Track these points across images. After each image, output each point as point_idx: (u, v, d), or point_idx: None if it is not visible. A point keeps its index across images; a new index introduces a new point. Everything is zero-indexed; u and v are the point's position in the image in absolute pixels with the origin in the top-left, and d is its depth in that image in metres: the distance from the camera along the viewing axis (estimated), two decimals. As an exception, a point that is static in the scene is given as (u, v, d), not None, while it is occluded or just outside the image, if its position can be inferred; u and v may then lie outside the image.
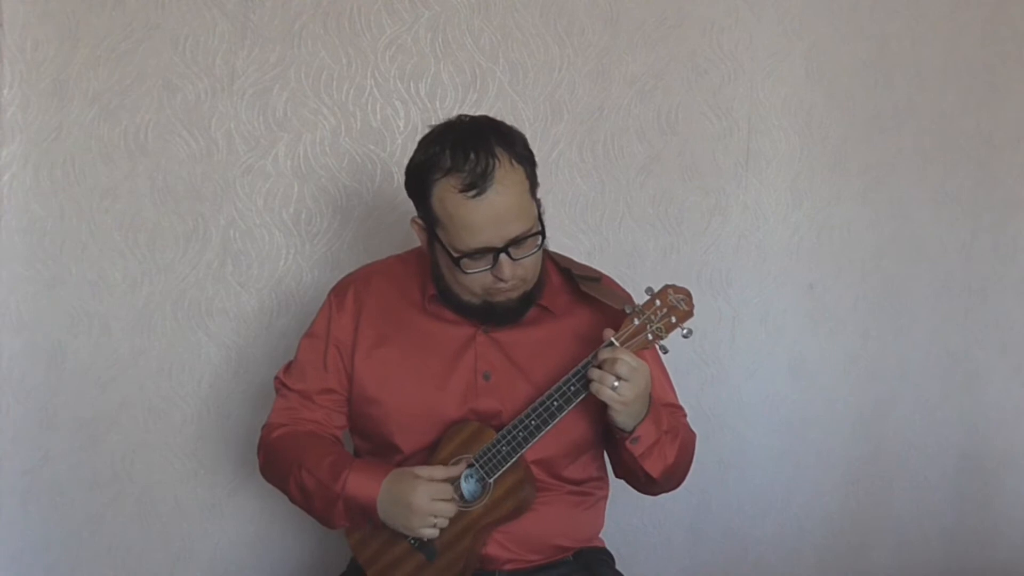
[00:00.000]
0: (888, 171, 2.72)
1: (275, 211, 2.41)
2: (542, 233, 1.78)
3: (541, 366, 1.85)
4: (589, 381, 1.72)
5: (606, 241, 2.56)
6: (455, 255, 1.75)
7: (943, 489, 2.84)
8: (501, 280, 1.75)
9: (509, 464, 1.78)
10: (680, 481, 1.93)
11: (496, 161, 1.69)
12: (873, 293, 2.74)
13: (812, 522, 2.75)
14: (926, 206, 2.76)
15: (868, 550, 2.80)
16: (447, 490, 1.78)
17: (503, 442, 1.78)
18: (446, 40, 2.45)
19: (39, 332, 2.35)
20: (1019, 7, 2.78)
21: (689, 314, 1.76)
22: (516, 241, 1.73)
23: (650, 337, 1.74)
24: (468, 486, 1.81)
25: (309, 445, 1.90)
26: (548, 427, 1.76)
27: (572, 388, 1.75)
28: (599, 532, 2.01)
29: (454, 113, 1.84)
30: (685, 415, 1.99)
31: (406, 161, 1.80)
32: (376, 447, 1.94)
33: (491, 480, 1.80)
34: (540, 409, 1.76)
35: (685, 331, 1.75)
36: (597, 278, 1.93)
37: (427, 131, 1.79)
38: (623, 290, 1.98)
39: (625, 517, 2.58)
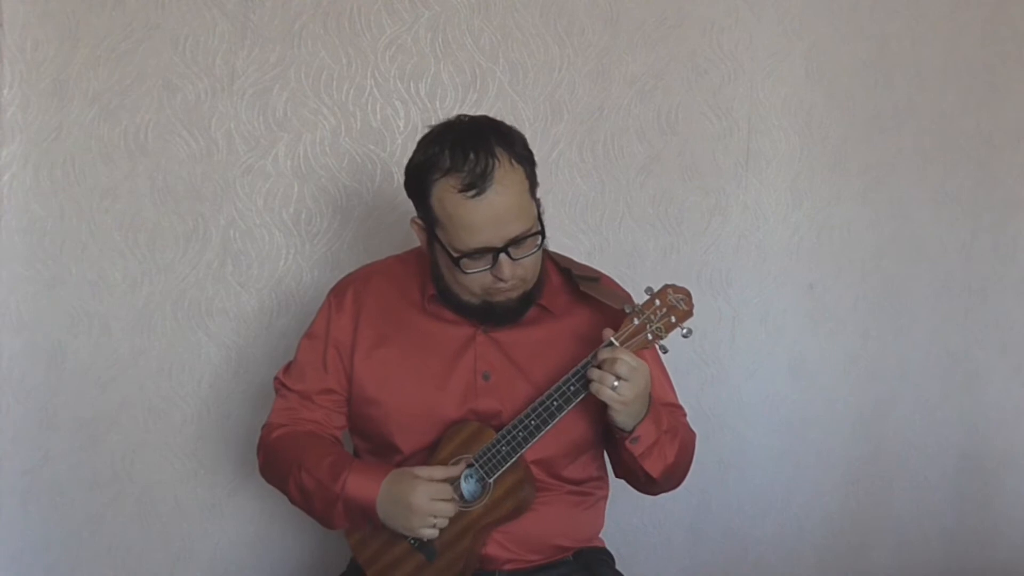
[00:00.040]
0: (888, 171, 2.72)
1: (275, 211, 2.41)
2: (542, 233, 1.78)
3: (541, 366, 1.85)
4: (589, 381, 1.73)
5: (606, 241, 2.56)
6: (455, 255, 1.75)
7: (943, 489, 2.84)
8: (501, 280, 1.75)
9: (509, 464, 1.78)
10: (680, 481, 1.93)
11: (496, 161, 1.69)
12: (873, 293, 2.74)
13: (812, 522, 2.75)
14: (926, 206, 2.76)
15: (868, 550, 2.80)
16: (447, 490, 1.78)
17: (503, 442, 1.78)
18: (446, 40, 2.45)
19: (39, 332, 2.35)
20: (1019, 7, 2.78)
21: (689, 314, 1.76)
22: (516, 241, 1.73)
23: (650, 337, 1.74)
24: (468, 486, 1.81)
25: (309, 446, 1.90)
26: (548, 427, 1.76)
27: (572, 388, 1.75)
28: (599, 532, 2.01)
29: (454, 113, 1.83)
30: (685, 415, 1.99)
31: (406, 161, 1.80)
32: (376, 447, 1.94)
33: (491, 480, 1.80)
34: (540, 409, 1.76)
35: (685, 331, 1.75)
36: (596, 278, 1.93)
37: (426, 131, 1.79)
38: (622, 290, 1.98)
39: (625, 517, 2.58)
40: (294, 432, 1.94)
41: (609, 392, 1.70)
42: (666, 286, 1.76)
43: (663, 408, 1.86)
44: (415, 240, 1.88)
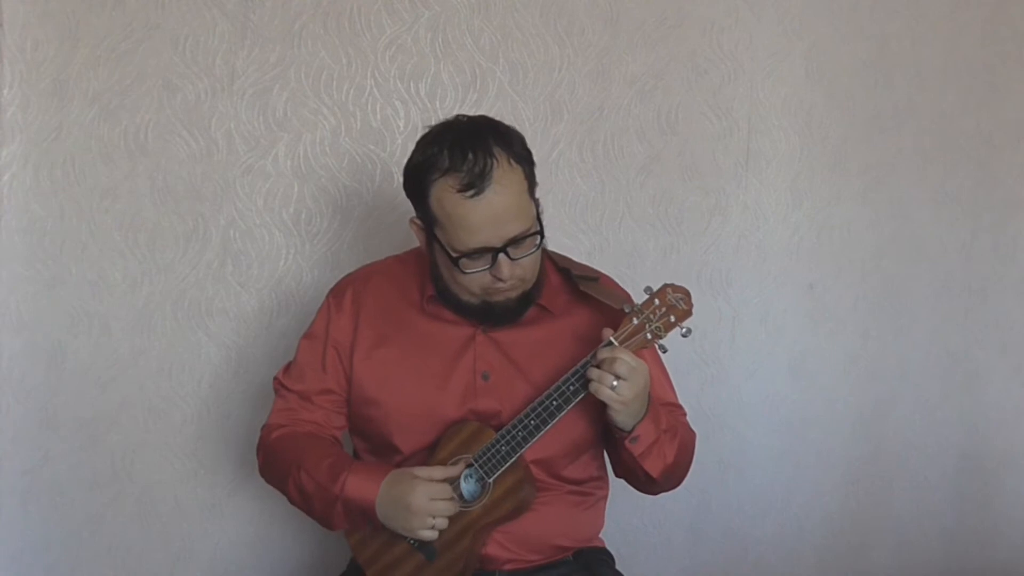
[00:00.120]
0: (888, 171, 2.72)
1: (275, 211, 2.41)
2: (541, 233, 1.78)
3: (540, 366, 1.85)
4: (588, 381, 1.73)
5: (606, 241, 2.56)
6: (454, 255, 1.75)
7: (943, 489, 2.84)
8: (500, 280, 1.75)
9: (508, 464, 1.78)
10: (680, 480, 1.93)
11: (494, 161, 1.69)
12: (873, 293, 2.74)
13: (812, 522, 2.75)
14: (926, 206, 2.76)
15: (868, 550, 2.80)
16: (446, 490, 1.78)
17: (502, 442, 1.78)
18: (446, 40, 2.45)
19: (39, 332, 2.35)
20: (1019, 7, 2.78)
21: (688, 313, 1.76)
22: (515, 241, 1.72)
23: (649, 336, 1.74)
24: (467, 486, 1.81)
25: (308, 446, 1.90)
26: (547, 427, 1.76)
27: (571, 388, 1.75)
28: (599, 532, 2.01)
29: (454, 113, 1.83)
30: (685, 414, 1.99)
31: (406, 161, 1.80)
32: (375, 447, 1.94)
33: (490, 480, 1.80)
34: (539, 409, 1.76)
35: (684, 330, 1.75)
36: (596, 278, 1.93)
37: (425, 131, 1.79)
38: (622, 290, 1.98)
39: (625, 517, 2.58)
40: (293, 433, 1.93)
41: (608, 392, 1.70)
42: (665, 285, 1.76)
43: (663, 408, 1.86)
44: (415, 240, 1.88)
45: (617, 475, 1.96)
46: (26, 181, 2.32)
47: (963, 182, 2.78)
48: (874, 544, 2.80)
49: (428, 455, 1.85)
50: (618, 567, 1.99)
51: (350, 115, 2.42)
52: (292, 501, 1.92)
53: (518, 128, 1.80)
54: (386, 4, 2.42)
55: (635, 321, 1.74)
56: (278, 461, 1.93)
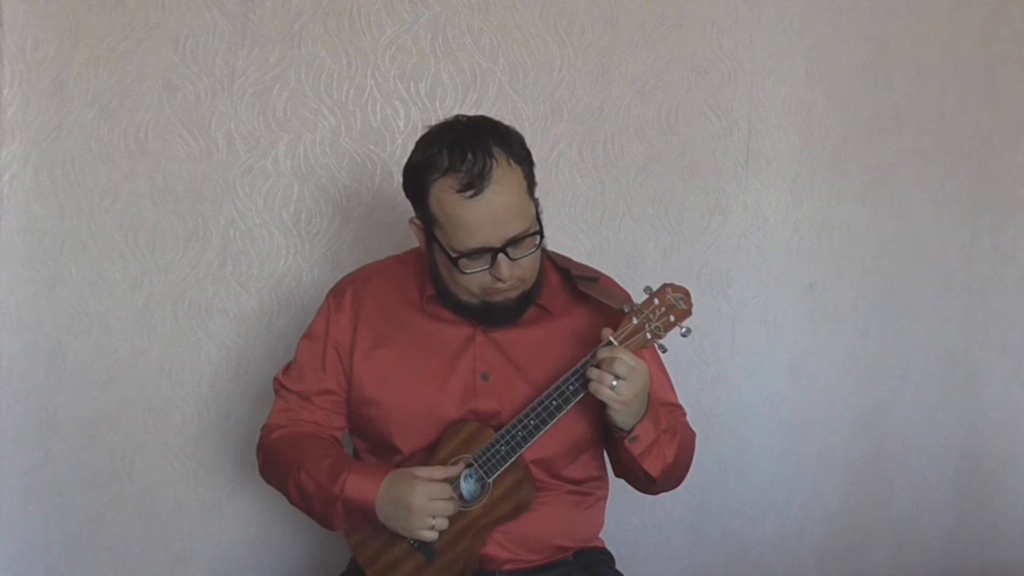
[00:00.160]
0: (888, 171, 2.72)
1: (275, 211, 2.41)
2: (540, 233, 1.77)
3: (540, 366, 1.85)
4: (588, 380, 1.73)
5: (606, 241, 2.56)
6: (453, 255, 1.75)
7: (943, 489, 2.84)
8: (499, 280, 1.75)
9: (508, 464, 1.78)
10: (680, 480, 1.93)
11: (493, 161, 1.69)
12: (873, 293, 2.74)
13: (812, 522, 2.75)
14: (926, 206, 2.76)
15: (868, 550, 2.80)
16: (445, 490, 1.78)
17: (502, 442, 1.78)
18: (446, 40, 2.45)
19: (39, 332, 2.35)
20: (1019, 7, 2.78)
21: (687, 313, 1.75)
22: (514, 241, 1.72)
23: (648, 336, 1.74)
24: (467, 486, 1.81)
25: (308, 447, 1.90)
26: (547, 426, 1.76)
27: (571, 387, 1.75)
28: (599, 532, 2.01)
29: (454, 113, 1.83)
30: (685, 414, 1.99)
31: (405, 161, 1.80)
32: (375, 448, 1.94)
33: (490, 480, 1.80)
34: (539, 409, 1.76)
35: (684, 330, 1.75)
36: (595, 278, 1.93)
37: (425, 131, 1.79)
38: (621, 289, 1.98)
39: (625, 517, 2.58)
40: (293, 433, 1.93)
41: (608, 391, 1.70)
42: (665, 285, 1.76)
43: (662, 408, 1.86)
44: (415, 240, 1.88)
45: (617, 475, 1.96)
46: (26, 181, 2.32)
47: (963, 182, 2.78)
48: (874, 544, 2.80)
49: (428, 455, 1.85)
50: (618, 567, 1.99)
51: (350, 115, 2.42)
52: (292, 501, 1.92)
53: (518, 128, 1.80)
54: (386, 4, 2.42)
55: (635, 321, 1.74)
56: (278, 461, 1.93)
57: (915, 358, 2.79)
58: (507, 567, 1.87)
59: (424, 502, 1.75)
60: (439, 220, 1.74)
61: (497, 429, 1.80)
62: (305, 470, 1.85)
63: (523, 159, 1.75)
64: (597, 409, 1.80)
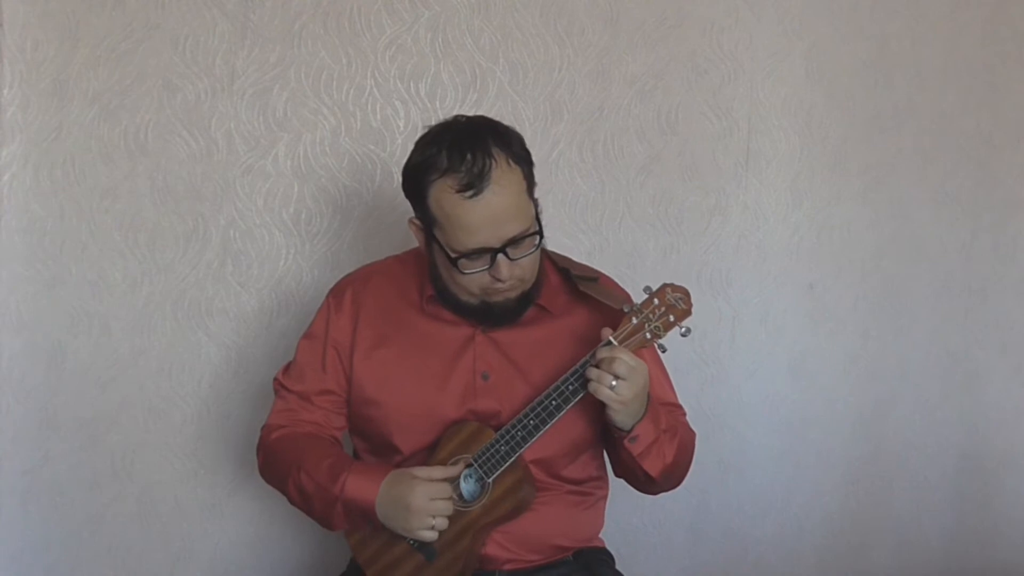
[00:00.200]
0: (888, 171, 2.72)
1: (275, 211, 2.42)
2: (540, 233, 1.77)
3: (539, 366, 1.85)
4: (587, 380, 1.72)
5: (606, 241, 2.56)
6: (452, 255, 1.75)
7: (943, 489, 2.84)
8: (499, 280, 1.75)
9: (508, 464, 1.78)
10: (680, 480, 1.93)
11: (493, 161, 1.69)
12: (873, 293, 2.74)
13: (812, 522, 2.75)
14: (926, 206, 2.76)
15: (868, 550, 2.80)
16: (445, 489, 1.78)
17: (502, 442, 1.78)
18: (446, 40, 2.45)
19: (39, 332, 2.35)
20: (1019, 7, 2.78)
21: (687, 313, 1.75)
22: (513, 241, 1.72)
23: (648, 336, 1.74)
24: (467, 486, 1.81)
25: (308, 447, 1.90)
26: (547, 426, 1.76)
27: (570, 387, 1.75)
28: (599, 532, 2.01)
29: (454, 113, 1.83)
30: (684, 414, 1.99)
31: (405, 161, 1.80)
32: (375, 448, 1.94)
33: (490, 480, 1.80)
34: (539, 409, 1.76)
35: (684, 330, 1.75)
36: (595, 278, 1.93)
37: (424, 132, 1.79)
38: (621, 289, 1.98)
39: (625, 517, 2.58)
40: (293, 433, 1.93)
41: (607, 392, 1.70)
42: (665, 285, 1.76)
43: (662, 408, 1.86)
44: (415, 240, 1.88)
45: (617, 475, 1.96)
46: (26, 181, 2.32)
47: (963, 182, 2.78)
48: (874, 544, 2.80)
49: (428, 455, 1.85)
50: (618, 567, 1.99)
51: (350, 115, 2.42)
52: (292, 501, 1.92)
53: (518, 128, 1.80)
54: (386, 4, 2.42)
55: (634, 321, 1.74)
56: (278, 462, 1.93)
57: (915, 358, 2.79)
58: (507, 567, 1.87)
59: (424, 502, 1.75)
60: (438, 220, 1.74)
61: (497, 429, 1.80)
62: (305, 470, 1.85)
63: (522, 159, 1.75)
64: (597, 409, 1.79)
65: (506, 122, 1.80)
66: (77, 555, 2.41)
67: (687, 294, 1.76)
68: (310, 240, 2.43)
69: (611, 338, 1.73)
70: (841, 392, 2.74)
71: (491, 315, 1.83)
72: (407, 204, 1.83)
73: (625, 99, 2.55)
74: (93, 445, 2.39)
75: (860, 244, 2.72)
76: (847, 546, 2.78)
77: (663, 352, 1.80)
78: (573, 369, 1.76)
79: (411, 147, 1.79)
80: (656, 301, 1.74)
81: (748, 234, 2.64)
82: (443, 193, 1.71)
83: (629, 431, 1.78)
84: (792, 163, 2.66)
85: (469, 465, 1.81)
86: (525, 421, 1.77)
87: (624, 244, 2.57)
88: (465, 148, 1.70)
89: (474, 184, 1.68)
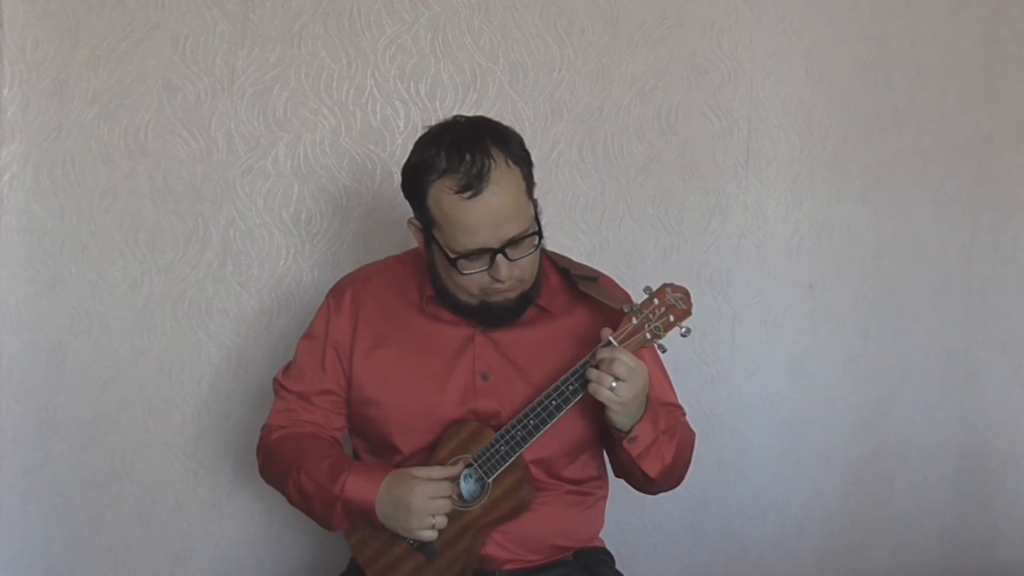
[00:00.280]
0: (888, 171, 2.72)
1: (275, 211, 2.42)
2: (539, 233, 1.77)
3: (539, 366, 1.85)
4: (587, 381, 1.72)
5: (606, 241, 2.56)
6: (452, 256, 1.74)
7: (943, 489, 2.84)
8: (498, 281, 1.75)
9: (508, 464, 1.78)
10: (679, 481, 1.93)
11: (492, 162, 1.69)
12: (873, 293, 2.74)
13: (812, 522, 2.75)
14: (926, 206, 2.76)
15: (868, 550, 2.80)
16: (444, 488, 1.78)
17: (501, 442, 1.78)
18: (446, 40, 2.45)
19: (39, 332, 2.35)
20: (1019, 7, 2.78)
21: (687, 313, 1.75)
22: (513, 242, 1.72)
23: (648, 336, 1.74)
24: (467, 486, 1.80)
25: (308, 447, 1.90)
26: (546, 426, 1.76)
27: (570, 387, 1.75)
28: (599, 532, 2.01)
29: (454, 113, 1.83)
30: (684, 414, 1.99)
31: (404, 162, 1.80)
32: (375, 448, 1.94)
33: (490, 480, 1.80)
34: (538, 409, 1.76)
35: (684, 330, 1.75)
36: (595, 278, 1.93)
37: (423, 132, 1.79)
38: (621, 290, 1.98)
39: (625, 517, 2.58)
40: (293, 434, 1.93)
41: (607, 393, 1.70)
42: (665, 285, 1.76)
43: (661, 408, 1.86)
44: (415, 240, 1.88)
45: (617, 475, 1.96)
46: (26, 181, 2.32)
47: (963, 182, 2.78)
48: (874, 544, 2.80)
49: (428, 455, 1.85)
50: (618, 567, 1.99)
51: (350, 115, 2.42)
52: (292, 502, 1.92)
53: (518, 128, 1.80)
54: (386, 4, 2.42)
55: (634, 321, 1.74)
56: (278, 462, 1.93)
57: (915, 358, 2.79)
58: (507, 567, 1.87)
59: (423, 502, 1.75)
60: (437, 221, 1.74)
61: (497, 429, 1.80)
62: (305, 471, 1.85)
63: (522, 160, 1.75)
64: (596, 409, 1.79)
65: (506, 122, 1.80)
66: (77, 555, 2.41)
67: (687, 294, 1.76)
68: (310, 240, 2.43)
69: (611, 338, 1.73)
70: (841, 392, 2.74)
71: (490, 315, 1.83)
72: (407, 204, 1.83)
73: (625, 99, 2.55)
74: (93, 445, 2.39)
75: (860, 244, 2.72)
76: (847, 546, 2.78)
77: (663, 352, 1.80)
78: (573, 369, 1.76)
79: (411, 147, 1.79)
80: (656, 301, 1.74)
81: (748, 234, 2.64)
82: (442, 194, 1.71)
83: (628, 432, 1.78)
84: (792, 163, 2.66)
85: (469, 465, 1.80)
86: (525, 421, 1.77)
87: (624, 244, 2.57)
88: (464, 149, 1.70)
89: (473, 185, 1.68)
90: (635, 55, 2.54)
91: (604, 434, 1.90)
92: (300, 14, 2.39)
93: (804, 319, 2.70)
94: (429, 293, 1.88)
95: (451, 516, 1.79)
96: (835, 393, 2.74)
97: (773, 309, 2.68)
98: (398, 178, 1.83)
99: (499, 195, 1.69)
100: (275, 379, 2.00)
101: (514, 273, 1.75)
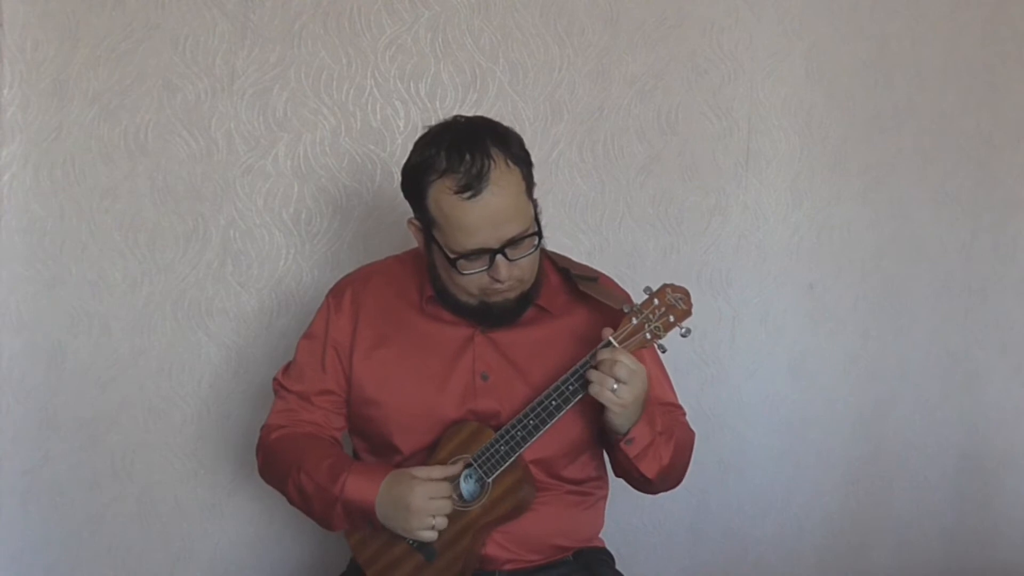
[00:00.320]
0: (888, 171, 2.72)
1: (275, 211, 2.42)
2: (539, 234, 1.77)
3: (539, 366, 1.84)
4: (588, 383, 1.72)
5: (606, 241, 2.56)
6: (451, 256, 1.74)
7: (943, 489, 2.84)
8: (497, 281, 1.75)
9: (507, 464, 1.78)
10: (678, 481, 1.93)
11: (491, 162, 1.69)
12: (873, 293, 2.74)
13: (812, 522, 2.75)
14: (926, 206, 2.76)
15: (868, 550, 2.80)
16: (444, 488, 1.78)
17: (501, 442, 1.78)
18: (446, 40, 2.45)
19: (39, 332, 2.35)
20: (1019, 7, 2.78)
21: (687, 313, 1.75)
22: (512, 242, 1.72)
23: (648, 336, 1.74)
24: (467, 486, 1.81)
25: (308, 447, 1.90)
26: (546, 426, 1.76)
27: (570, 388, 1.75)
28: (599, 532, 2.01)
29: (454, 113, 1.83)
30: (684, 414, 1.99)
31: (404, 162, 1.80)
32: (375, 448, 1.94)
33: (490, 480, 1.80)
34: (538, 408, 1.76)
35: (684, 330, 1.75)
36: (595, 278, 1.93)
37: (423, 132, 1.79)
38: (621, 290, 1.98)
39: (625, 517, 2.58)
40: (293, 434, 1.93)
41: (609, 395, 1.70)
42: (665, 285, 1.76)
43: (660, 408, 1.86)
44: (415, 240, 1.88)
45: (617, 475, 1.96)
46: (26, 181, 2.32)
47: (963, 182, 2.78)
48: (874, 544, 2.80)
49: (428, 455, 1.85)
50: (618, 567, 1.99)
51: (350, 115, 2.42)
52: (292, 502, 1.92)
53: (518, 128, 1.80)
54: (386, 4, 2.42)
55: (634, 321, 1.74)
56: (278, 462, 1.93)
57: (915, 358, 2.79)
58: (507, 567, 1.87)
59: (423, 502, 1.75)
60: (437, 221, 1.74)
61: (497, 429, 1.80)
62: (305, 471, 1.85)
63: (521, 160, 1.75)
64: (596, 409, 1.79)
65: (506, 122, 1.79)
66: (77, 555, 2.41)
67: (687, 294, 1.75)
68: (310, 240, 2.43)
69: (611, 338, 1.73)
70: (841, 392, 2.74)
71: (490, 315, 1.83)
72: (407, 204, 1.83)
73: (625, 99, 2.55)
74: (93, 445, 2.39)
75: (860, 244, 2.72)
76: (847, 546, 2.78)
77: (663, 352, 1.80)
78: (573, 369, 1.76)
79: (411, 147, 1.79)
80: (656, 301, 1.74)
81: (748, 234, 2.64)
82: (442, 194, 1.71)
83: (625, 434, 1.78)
84: (792, 163, 2.66)
85: (469, 465, 1.80)
86: (525, 421, 1.77)
87: (624, 244, 2.57)
88: (464, 149, 1.70)
89: (472, 185, 1.68)
90: (635, 55, 2.54)
91: (602, 435, 1.90)
92: (300, 14, 2.39)
93: (804, 319, 2.70)
94: (429, 293, 1.88)
95: (451, 516, 1.79)
96: (835, 393, 2.74)
97: (773, 309, 2.68)
98: (398, 178, 1.83)
99: (499, 195, 1.69)
100: (275, 379, 2.00)
101: (514, 273, 1.75)
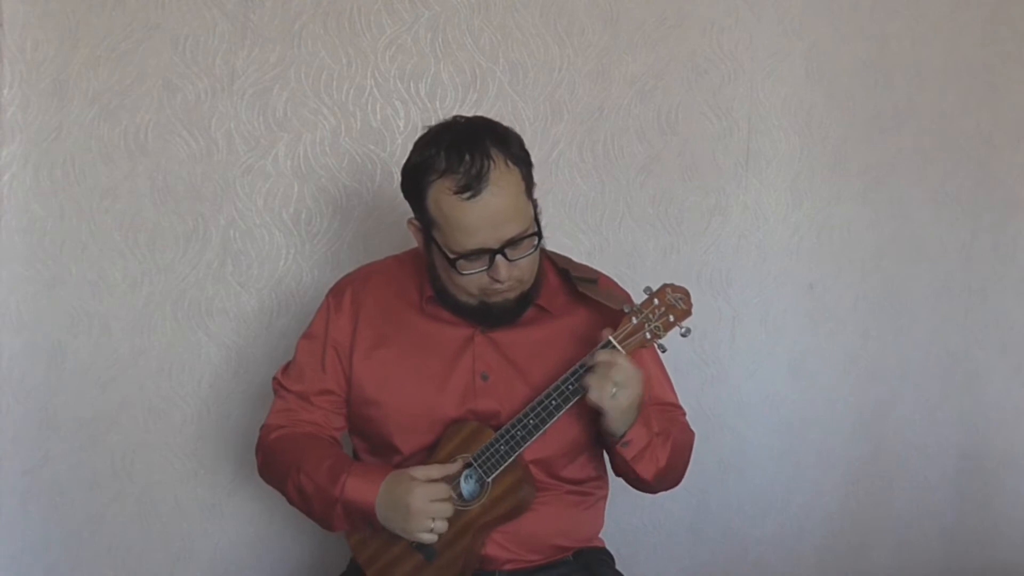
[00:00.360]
0: (888, 171, 2.72)
1: (275, 211, 2.42)
2: (539, 234, 1.77)
3: (539, 366, 1.84)
4: (587, 388, 1.72)
5: (606, 241, 2.56)
6: (451, 256, 1.74)
7: (943, 489, 2.84)
8: (497, 281, 1.75)
9: (507, 463, 1.78)
10: (677, 481, 1.93)
11: (491, 163, 1.69)
12: (873, 293, 2.74)
13: (812, 522, 2.75)
14: (926, 206, 2.76)
15: (868, 550, 2.80)
16: (444, 490, 1.78)
17: (501, 441, 1.78)
18: (446, 40, 2.45)
19: (39, 332, 2.35)
20: (1019, 7, 2.78)
21: (687, 313, 1.75)
22: (512, 242, 1.72)
23: (648, 336, 1.74)
24: (467, 486, 1.81)
25: (307, 448, 1.90)
26: (546, 426, 1.76)
27: (570, 387, 1.75)
28: (599, 532, 2.01)
29: (454, 113, 1.83)
30: (684, 414, 1.99)
31: (404, 162, 1.80)
32: (375, 448, 1.94)
33: (489, 480, 1.80)
34: (538, 408, 1.76)
35: (683, 330, 1.75)
36: (594, 279, 1.92)
37: (423, 132, 1.79)
38: (621, 290, 1.98)
39: (625, 517, 2.58)
40: (293, 434, 1.93)
41: (607, 400, 1.70)
42: (665, 285, 1.76)
43: (657, 409, 1.86)
44: (414, 240, 1.88)
45: (616, 474, 1.96)
46: (26, 181, 2.32)
47: (963, 182, 2.78)
48: (874, 544, 2.80)
49: (428, 455, 1.85)
50: (618, 567, 1.99)
51: (350, 115, 2.42)
52: (291, 502, 1.92)
53: (518, 128, 1.80)
54: (386, 4, 2.42)
55: (634, 321, 1.74)
56: (277, 462, 1.93)
57: (915, 358, 2.79)
58: (507, 567, 1.87)
59: (423, 504, 1.75)
60: (437, 221, 1.74)
61: (497, 429, 1.80)
62: (304, 471, 1.85)
63: (521, 160, 1.75)
64: (595, 410, 1.79)
65: (506, 122, 1.79)
66: (77, 555, 2.41)
67: (687, 294, 1.76)
68: (310, 240, 2.43)
69: (611, 338, 1.73)
70: (841, 392, 2.74)
71: (490, 315, 1.83)
72: (407, 204, 1.83)
73: (625, 99, 2.55)
74: (93, 445, 2.39)
75: (860, 244, 2.72)
76: (847, 546, 2.78)
77: (663, 352, 1.80)
78: (573, 369, 1.76)
79: (411, 147, 1.79)
80: (656, 301, 1.75)
81: (748, 234, 2.64)
82: (441, 194, 1.71)
83: (621, 436, 1.77)
84: (792, 163, 2.66)
85: (469, 465, 1.80)
86: (525, 421, 1.77)
87: (624, 244, 2.57)
88: (463, 149, 1.70)
89: (472, 185, 1.68)
90: (635, 55, 2.54)
91: (599, 437, 1.90)
92: (300, 14, 2.39)
93: (804, 319, 2.70)
94: (429, 293, 1.88)
95: (451, 516, 1.79)
96: (835, 393, 2.74)
97: (773, 309, 2.68)
98: (398, 178, 1.83)
99: (498, 195, 1.69)
100: (275, 379, 2.00)
101: (513, 273, 1.75)
